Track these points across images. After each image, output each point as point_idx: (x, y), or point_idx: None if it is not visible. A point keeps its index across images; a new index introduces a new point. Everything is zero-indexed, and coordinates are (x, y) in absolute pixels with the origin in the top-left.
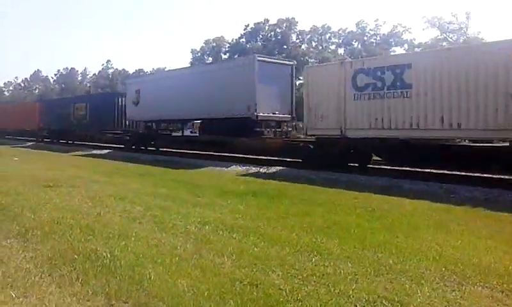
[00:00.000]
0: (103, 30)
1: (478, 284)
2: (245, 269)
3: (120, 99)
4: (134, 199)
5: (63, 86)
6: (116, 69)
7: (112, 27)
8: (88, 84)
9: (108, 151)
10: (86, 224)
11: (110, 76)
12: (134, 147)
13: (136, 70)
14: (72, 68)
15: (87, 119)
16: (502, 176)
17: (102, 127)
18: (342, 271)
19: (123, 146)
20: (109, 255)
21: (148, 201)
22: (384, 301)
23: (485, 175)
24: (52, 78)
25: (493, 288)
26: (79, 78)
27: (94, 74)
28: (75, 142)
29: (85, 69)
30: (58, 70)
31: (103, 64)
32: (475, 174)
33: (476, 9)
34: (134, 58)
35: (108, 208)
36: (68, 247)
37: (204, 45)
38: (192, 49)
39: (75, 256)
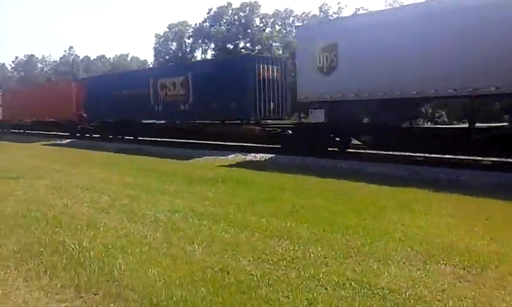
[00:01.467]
0: (65, 16)
1: (441, 262)
2: (216, 256)
3: (266, 67)
4: None
5: (23, 73)
6: (77, 56)
7: (74, 13)
8: (49, 71)
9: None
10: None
11: (71, 63)
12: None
13: (97, 57)
14: (31, 55)
15: (189, 103)
16: (464, 157)
17: (223, 115)
18: (312, 255)
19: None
20: (77, 247)
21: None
22: (353, 283)
23: (449, 157)
24: (10, 65)
25: (455, 265)
26: (39, 65)
27: (55, 61)
28: (150, 139)
29: (43, 56)
30: (16, 57)
31: (65, 51)
32: (441, 156)
33: None
34: (97, 44)
35: None
36: (34, 240)
37: (167, 29)
38: (156, 34)
39: (42, 249)
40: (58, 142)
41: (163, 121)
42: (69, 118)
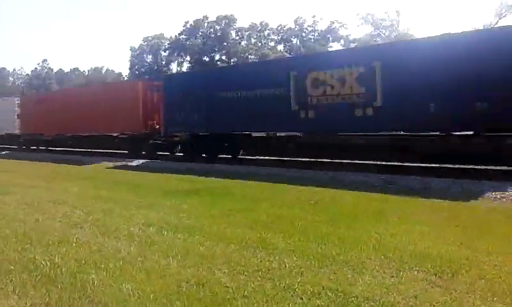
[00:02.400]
0: (39, 29)
1: (414, 268)
2: (191, 269)
3: None
4: None
5: None
6: (51, 68)
7: (48, 26)
8: (22, 84)
9: None
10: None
11: (44, 76)
12: None
13: (71, 70)
14: (2, 68)
15: (375, 106)
16: (435, 166)
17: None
18: (287, 265)
19: None
20: (48, 263)
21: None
22: (328, 292)
23: (423, 165)
24: None
25: (428, 271)
26: (10, 78)
27: (27, 74)
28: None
29: (14, 69)
30: None
31: (38, 64)
32: (414, 165)
33: (406, 7)
34: (72, 57)
35: None
36: (3, 258)
37: (143, 42)
38: (131, 47)
39: (12, 266)
40: (120, 163)
41: (361, 135)
42: (133, 130)
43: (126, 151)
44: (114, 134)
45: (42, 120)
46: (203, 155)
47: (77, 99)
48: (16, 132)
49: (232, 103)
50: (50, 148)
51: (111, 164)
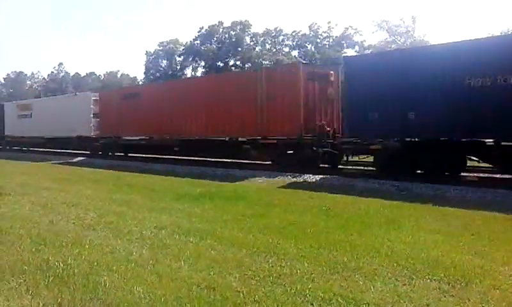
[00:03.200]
0: (55, 32)
1: (427, 277)
2: (202, 273)
3: None
4: None
5: (11, 90)
6: (67, 72)
7: (64, 29)
8: (39, 88)
9: None
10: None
11: (60, 79)
12: None
13: (87, 74)
14: (20, 72)
15: None
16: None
17: None
18: (298, 271)
19: None
20: (61, 264)
21: None
22: (339, 298)
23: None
24: (0, 82)
25: (441, 280)
26: (28, 82)
27: (43, 78)
28: None
29: (32, 73)
30: (8, 74)
31: (54, 68)
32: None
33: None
34: (87, 61)
35: None
36: (17, 259)
37: (158, 47)
38: (147, 51)
39: (25, 267)
40: (290, 179)
41: None
42: (289, 133)
43: (269, 162)
44: (242, 139)
45: (131, 120)
46: (418, 172)
47: (186, 92)
48: (92, 134)
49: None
50: (135, 155)
51: (276, 181)
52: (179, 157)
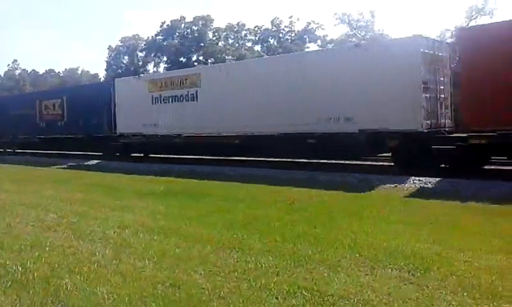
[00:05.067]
0: (8, 28)
1: (388, 266)
2: (167, 271)
3: None
4: None
5: None
6: (24, 70)
7: (19, 24)
8: None
9: None
10: None
11: (17, 77)
12: None
13: (46, 71)
14: None
15: None
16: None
17: None
18: (263, 265)
19: None
20: (20, 268)
21: None
22: (304, 291)
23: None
24: None
25: (401, 268)
26: None
27: None
28: None
29: None
30: None
31: (8, 65)
32: (389, 164)
33: (380, 8)
34: (45, 58)
35: None
36: None
37: (120, 43)
38: (109, 46)
39: None
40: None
41: None
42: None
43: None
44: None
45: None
46: None
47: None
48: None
49: None
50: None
51: None
52: None
